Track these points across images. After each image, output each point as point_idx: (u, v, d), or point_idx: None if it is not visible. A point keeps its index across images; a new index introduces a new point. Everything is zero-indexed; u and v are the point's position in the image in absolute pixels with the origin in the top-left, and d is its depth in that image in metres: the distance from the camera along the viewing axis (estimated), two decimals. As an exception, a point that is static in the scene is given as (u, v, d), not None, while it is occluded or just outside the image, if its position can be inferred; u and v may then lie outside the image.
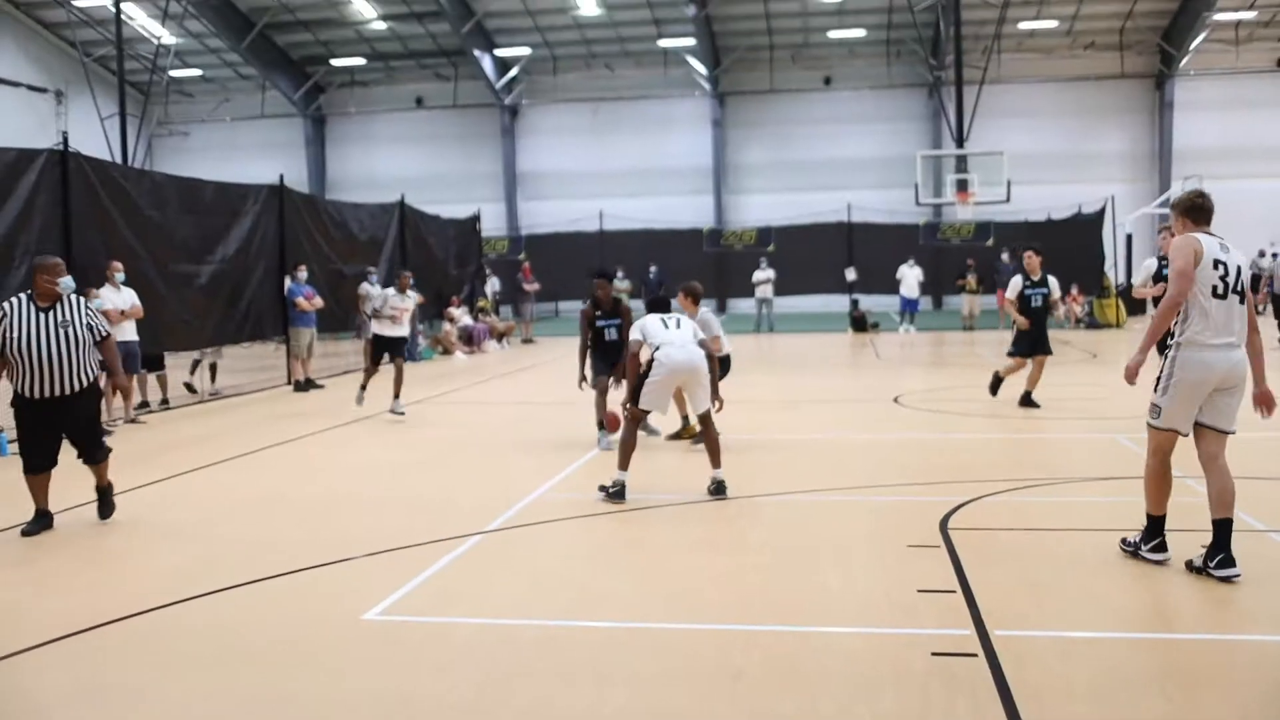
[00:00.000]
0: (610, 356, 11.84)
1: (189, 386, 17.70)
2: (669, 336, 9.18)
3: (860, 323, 30.23)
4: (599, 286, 12.15)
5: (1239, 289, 6.49)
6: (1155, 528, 6.76)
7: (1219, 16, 38.35)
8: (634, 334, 9.44)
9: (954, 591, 6.30)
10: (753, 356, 23.70)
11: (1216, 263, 6.43)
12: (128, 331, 14.12)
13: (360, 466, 11.27)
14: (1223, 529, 6.41)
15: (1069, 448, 11.52)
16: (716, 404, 9.34)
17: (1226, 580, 6.30)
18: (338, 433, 13.66)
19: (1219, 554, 6.38)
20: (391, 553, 7.44)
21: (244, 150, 44.46)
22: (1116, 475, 9.48)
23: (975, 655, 5.28)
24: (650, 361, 9.22)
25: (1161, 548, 6.73)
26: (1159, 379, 6.63)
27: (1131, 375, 6.69)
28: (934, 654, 5.32)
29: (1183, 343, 6.50)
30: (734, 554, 7.39)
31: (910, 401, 15.12)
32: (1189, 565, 6.58)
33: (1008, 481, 9.22)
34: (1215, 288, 6.43)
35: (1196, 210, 6.69)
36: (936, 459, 10.78)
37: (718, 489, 8.99)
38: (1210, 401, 6.53)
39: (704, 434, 9.29)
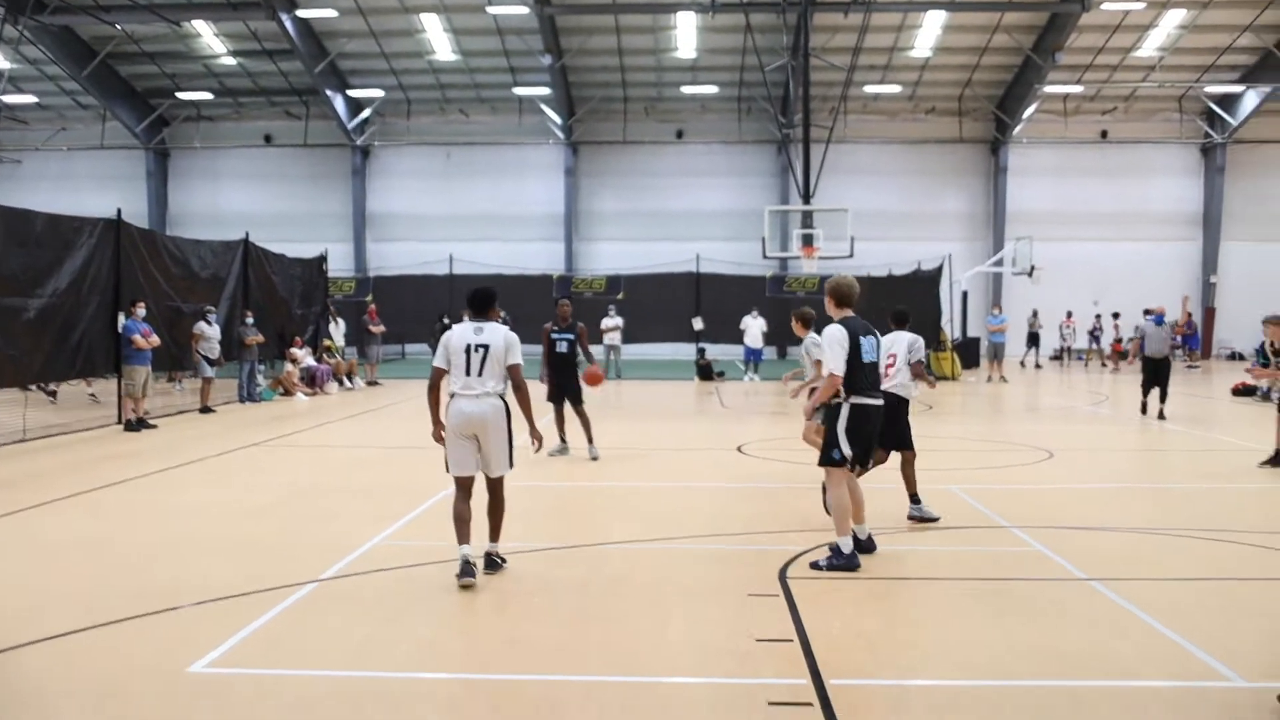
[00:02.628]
0: (560, 366, 14.55)
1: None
2: (464, 383, 7.80)
3: (706, 371, 30.60)
4: (561, 306, 14.81)
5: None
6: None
7: (1049, 89, 40.39)
8: (437, 356, 8.02)
9: (791, 640, 6.38)
10: (601, 403, 23.75)
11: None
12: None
13: (193, 510, 10.88)
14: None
15: (906, 498, 11.80)
16: (535, 444, 8.21)
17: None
18: (171, 475, 13.18)
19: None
20: (222, 601, 7.20)
21: (81, 181, 42.93)
22: (952, 525, 9.76)
23: (810, 704, 5.36)
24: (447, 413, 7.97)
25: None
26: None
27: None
28: (771, 703, 5.38)
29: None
30: (574, 602, 7.34)
31: (753, 450, 15.33)
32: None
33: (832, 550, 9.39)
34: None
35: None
36: (777, 507, 10.93)
37: (490, 564, 7.98)
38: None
39: (490, 501, 8.05)
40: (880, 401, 8.46)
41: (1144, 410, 19.95)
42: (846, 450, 8.27)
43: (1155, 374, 19.79)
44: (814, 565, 8.15)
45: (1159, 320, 20.28)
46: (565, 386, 14.52)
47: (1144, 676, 5.90)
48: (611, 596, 7.49)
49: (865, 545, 8.57)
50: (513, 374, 7.92)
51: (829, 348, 8.23)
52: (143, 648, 6.31)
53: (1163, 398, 19.61)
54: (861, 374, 8.27)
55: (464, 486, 7.93)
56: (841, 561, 8.11)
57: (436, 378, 7.95)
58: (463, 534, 7.77)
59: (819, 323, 9.15)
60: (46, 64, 40.44)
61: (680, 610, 7.08)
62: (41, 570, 8.34)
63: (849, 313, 8.48)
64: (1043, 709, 5.44)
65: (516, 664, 6.07)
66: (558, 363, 14.52)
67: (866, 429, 8.34)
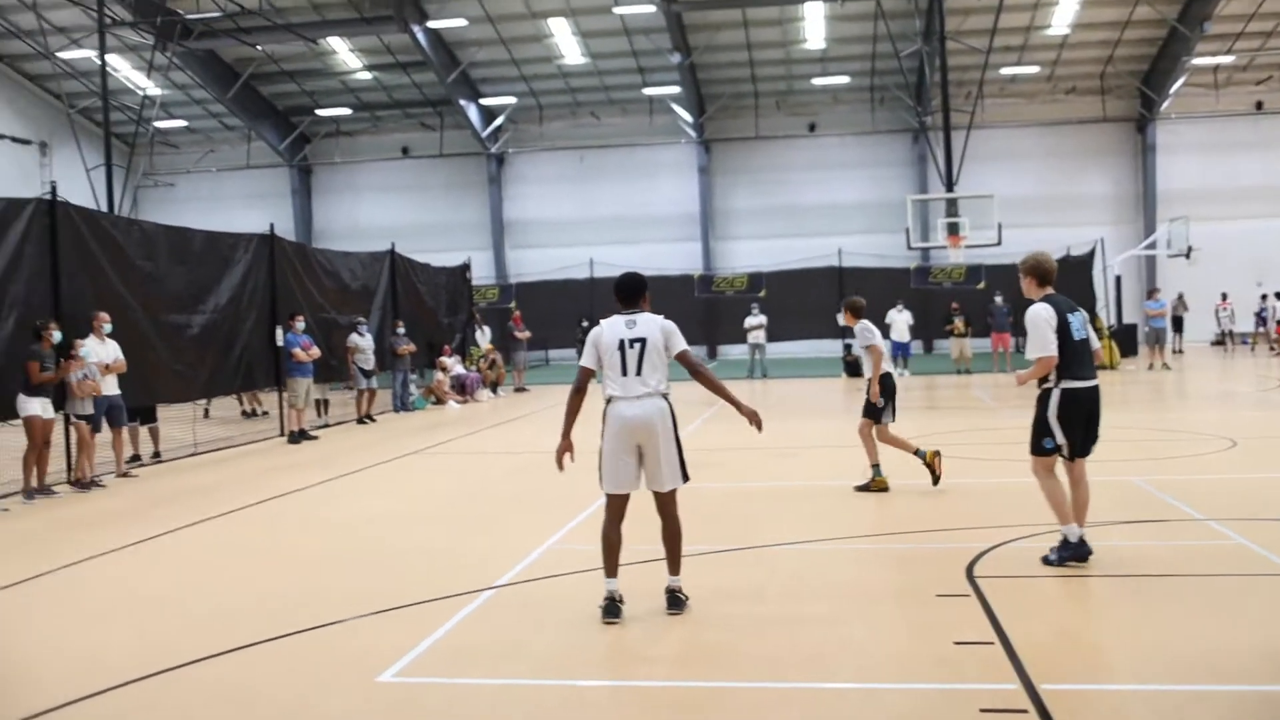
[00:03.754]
0: None
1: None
2: (621, 385, 6.85)
3: (854, 367, 30.03)
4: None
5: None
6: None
7: (1198, 61, 38.71)
8: (585, 355, 7.08)
9: (992, 643, 6.08)
10: (749, 403, 23.48)
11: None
12: (110, 385, 13.90)
13: (361, 519, 11.00)
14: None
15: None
16: (755, 425, 7.31)
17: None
18: (336, 485, 13.40)
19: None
20: (402, 610, 7.18)
21: (230, 201, 44.36)
22: (1137, 518, 9.30)
23: (1025, 711, 5.06)
24: (603, 420, 6.96)
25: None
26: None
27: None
28: (983, 710, 5.10)
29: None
30: (754, 607, 7.12)
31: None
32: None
33: (1027, 526, 8.96)
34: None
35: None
36: (950, 504, 10.58)
37: (673, 603, 6.94)
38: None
39: (662, 524, 7.03)
40: (1094, 383, 7.83)
41: None
42: (1060, 438, 7.76)
43: None
44: (1045, 560, 7.75)
45: None
46: None
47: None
48: (792, 600, 7.27)
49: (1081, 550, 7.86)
50: (684, 362, 7.00)
51: (1035, 329, 7.71)
52: (329, 658, 6.31)
53: None
54: (1072, 355, 7.72)
55: (617, 507, 6.92)
56: (1069, 553, 7.68)
57: (583, 379, 6.93)
58: (611, 565, 6.88)
59: (1020, 305, 8.51)
60: (194, 88, 41.92)
61: (867, 613, 6.82)
62: (222, 580, 8.47)
63: (1050, 290, 7.98)
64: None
65: (706, 670, 5.90)
66: None
67: (1079, 414, 7.78)
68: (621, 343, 6.86)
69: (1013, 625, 6.35)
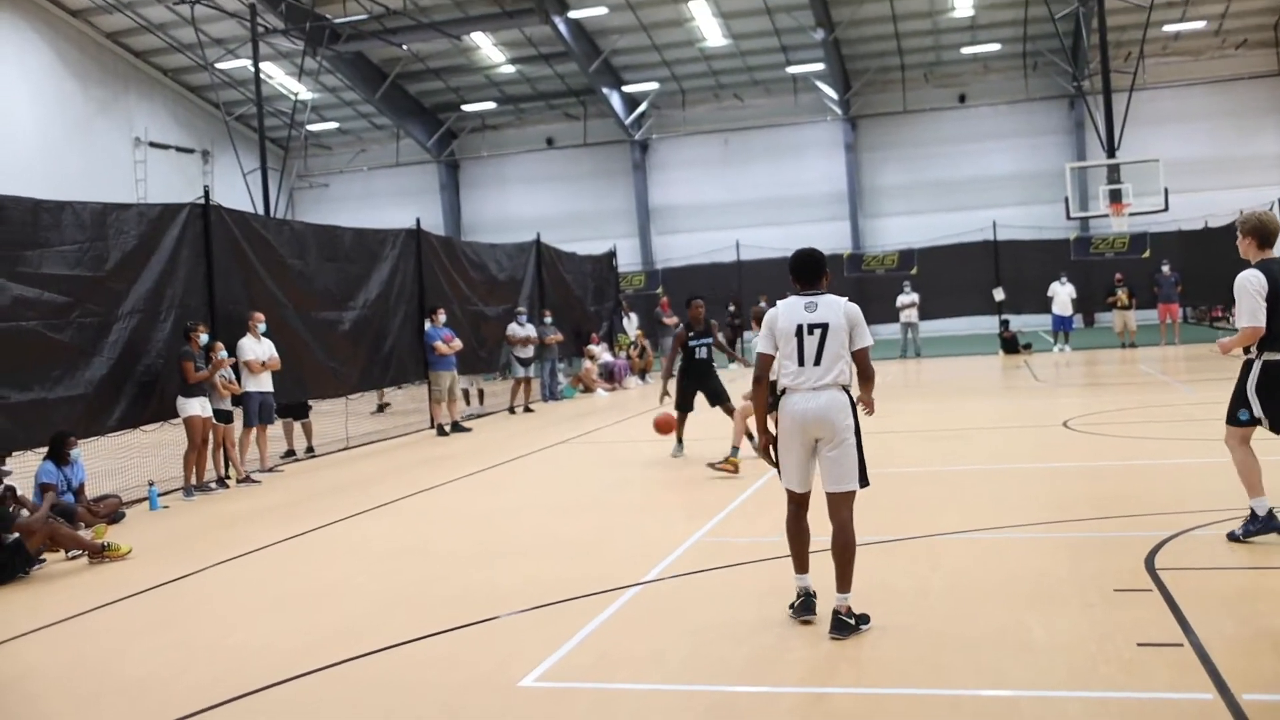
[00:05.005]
0: (699, 373, 13.38)
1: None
2: (798, 376, 6.20)
3: (1011, 344, 29.02)
4: (694, 308, 13.46)
5: None
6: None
7: (1383, 4, 36.22)
8: (762, 340, 6.44)
9: (1180, 645, 5.53)
10: (903, 383, 22.88)
11: None
12: (264, 382, 14.19)
13: (508, 512, 10.88)
14: None
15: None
16: (867, 409, 6.54)
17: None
18: (483, 477, 13.35)
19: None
20: (546, 608, 6.96)
21: (381, 198, 45.28)
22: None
23: (1225, 724, 4.56)
24: (778, 410, 6.39)
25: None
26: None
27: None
28: (1175, 723, 4.61)
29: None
30: (917, 603, 6.67)
31: (1081, 425, 14.15)
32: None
33: (1213, 512, 8.27)
34: None
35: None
36: (1125, 488, 9.91)
37: (838, 626, 6.06)
38: None
39: (833, 530, 6.29)
40: None
41: None
42: (1258, 410, 7.30)
43: None
44: (1231, 536, 7.44)
45: None
46: (710, 391, 13.28)
47: None
48: (956, 596, 6.79)
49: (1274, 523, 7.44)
50: (859, 361, 6.26)
51: (1245, 296, 7.19)
52: (472, 660, 6.12)
53: None
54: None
55: (800, 503, 6.39)
56: (1258, 526, 7.32)
57: (764, 367, 6.38)
58: (800, 559, 6.40)
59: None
60: (343, 90, 42.85)
61: (1039, 610, 6.31)
62: (371, 576, 8.40)
63: (1270, 254, 7.37)
64: None
65: (864, 675, 5.50)
66: (698, 370, 13.39)
67: None
68: (800, 328, 6.20)
69: (1203, 624, 5.78)
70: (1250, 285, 7.18)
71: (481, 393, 22.17)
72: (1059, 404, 17.10)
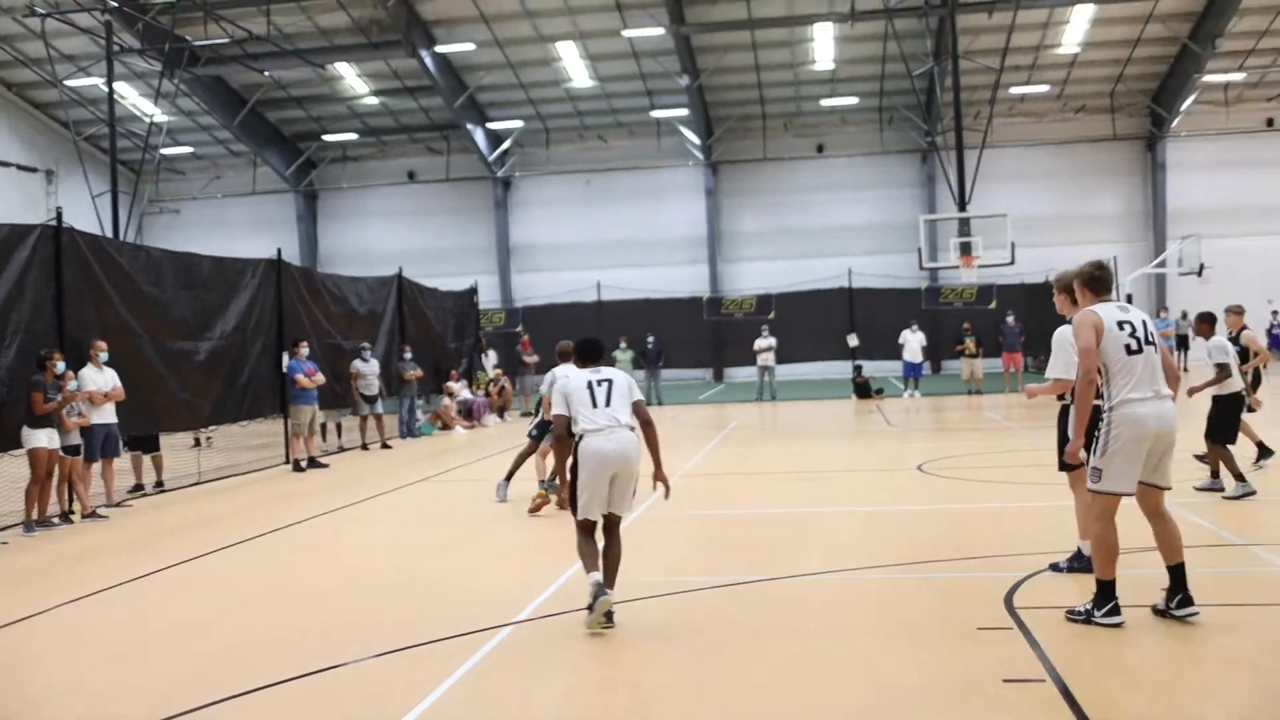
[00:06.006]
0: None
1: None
2: (593, 419, 7.26)
3: (864, 389, 29.76)
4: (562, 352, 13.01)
5: (1150, 342, 6.72)
6: (1107, 593, 6.69)
7: (1208, 79, 38.50)
8: (555, 404, 7.49)
9: (1043, 680, 5.75)
10: (759, 426, 23.22)
11: (1121, 324, 6.69)
12: (108, 414, 13.62)
13: (371, 551, 10.69)
14: (1178, 572, 6.68)
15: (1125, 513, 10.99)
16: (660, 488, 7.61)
17: (1186, 619, 6.57)
18: (344, 514, 13.08)
19: (1178, 594, 6.64)
20: (417, 649, 6.85)
21: (236, 227, 44.12)
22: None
23: (1089, 758, 4.74)
24: (575, 455, 7.36)
25: (1115, 611, 6.65)
26: (1096, 443, 6.68)
27: (1074, 457, 6.88)
28: (1042, 757, 4.78)
29: (1115, 405, 6.64)
30: (789, 642, 6.79)
31: (933, 469, 14.60)
32: (1155, 610, 6.77)
33: (1063, 553, 8.59)
34: (1128, 346, 6.65)
35: (1095, 281, 7.04)
36: (981, 530, 10.24)
37: (607, 617, 7.08)
38: (1150, 459, 6.66)
39: (606, 543, 7.42)
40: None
41: None
42: (1081, 454, 7.57)
43: None
44: (1054, 567, 8.12)
45: None
46: None
47: None
48: (828, 636, 6.92)
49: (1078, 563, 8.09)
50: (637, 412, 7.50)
51: (1057, 350, 7.79)
52: (342, 705, 5.98)
53: None
54: None
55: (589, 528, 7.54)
56: (1080, 564, 7.92)
57: (561, 427, 7.55)
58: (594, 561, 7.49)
59: (1032, 325, 8.37)
60: (200, 115, 41.79)
61: (906, 648, 6.49)
62: (229, 617, 8.16)
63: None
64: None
65: (745, 712, 5.56)
66: None
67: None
68: (592, 384, 7.43)
69: (1063, 661, 6.02)
70: (1065, 338, 7.65)
71: (339, 427, 21.75)
72: (911, 448, 17.59)
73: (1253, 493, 11.03)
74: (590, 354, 7.73)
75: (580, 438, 7.27)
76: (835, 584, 8.30)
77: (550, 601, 7.96)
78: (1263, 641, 6.36)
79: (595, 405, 7.29)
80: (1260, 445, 13.26)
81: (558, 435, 7.46)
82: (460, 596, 8.35)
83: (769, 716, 5.50)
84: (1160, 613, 6.73)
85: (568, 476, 7.49)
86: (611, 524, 7.42)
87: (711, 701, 5.77)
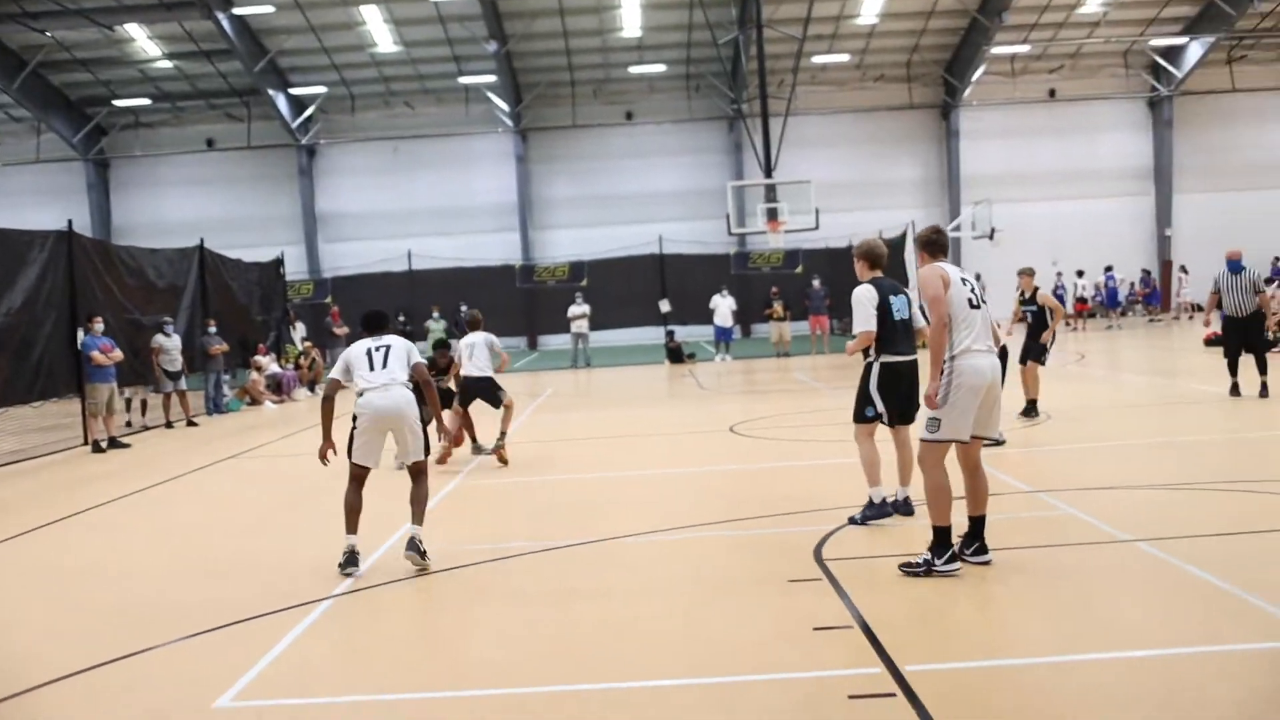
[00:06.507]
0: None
1: None
2: (370, 379, 8.05)
3: (677, 354, 30.26)
4: (441, 355, 13.89)
5: (984, 301, 7.24)
6: (945, 539, 7.02)
7: (996, 50, 40.34)
8: (335, 369, 8.34)
9: (850, 627, 6.03)
10: (574, 392, 23.36)
11: (963, 279, 7.15)
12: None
13: (183, 530, 10.39)
14: (979, 523, 7.16)
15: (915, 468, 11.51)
16: (441, 439, 8.96)
17: (984, 564, 7.06)
18: (151, 494, 12.64)
19: (975, 543, 7.14)
20: (237, 625, 6.73)
21: (19, 197, 41.75)
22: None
23: (894, 695, 5.01)
24: (354, 411, 8.16)
25: (954, 559, 7.02)
26: (939, 393, 7.02)
27: (932, 401, 7.09)
28: (850, 696, 5.03)
29: (957, 354, 7.01)
30: (604, 602, 6.93)
31: (746, 430, 15.00)
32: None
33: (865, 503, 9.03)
34: (970, 301, 7.11)
35: (933, 245, 7.46)
36: (790, 487, 10.59)
37: (413, 548, 7.75)
38: (981, 411, 7.05)
39: (413, 488, 8.14)
40: (913, 358, 8.59)
41: (1235, 390, 15.17)
42: (880, 406, 8.54)
43: (1243, 336, 15.26)
44: (851, 520, 8.57)
45: (1236, 267, 15.30)
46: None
47: (1231, 640, 5.59)
48: (641, 595, 7.09)
49: (900, 507, 8.70)
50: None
51: (859, 307, 8.44)
52: (161, 684, 5.83)
53: (1261, 367, 15.21)
54: (891, 332, 8.44)
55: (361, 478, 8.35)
56: (873, 512, 8.55)
57: (332, 389, 8.33)
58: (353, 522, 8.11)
59: (837, 288, 8.98)
60: (-25, 78, 39.35)
61: (722, 603, 6.71)
62: (38, 605, 7.84)
63: (879, 274, 8.68)
64: (1144, 685, 5.10)
65: (559, 674, 5.65)
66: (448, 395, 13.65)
67: (897, 385, 8.53)
68: (370, 352, 8.28)
69: (868, 607, 6.32)
70: (864, 296, 8.45)
71: (145, 403, 20.94)
72: (723, 410, 18.00)
73: (1002, 443, 11.85)
74: (374, 325, 8.54)
75: (360, 394, 8.08)
76: (651, 544, 8.49)
77: (369, 573, 7.89)
78: (1051, 579, 6.79)
79: (373, 368, 8.11)
80: (1031, 402, 14.16)
81: (324, 395, 8.28)
82: (274, 573, 8.20)
83: (588, 675, 5.62)
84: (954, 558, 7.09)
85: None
86: (413, 470, 8.22)
87: (532, 664, 5.85)
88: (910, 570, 7.00)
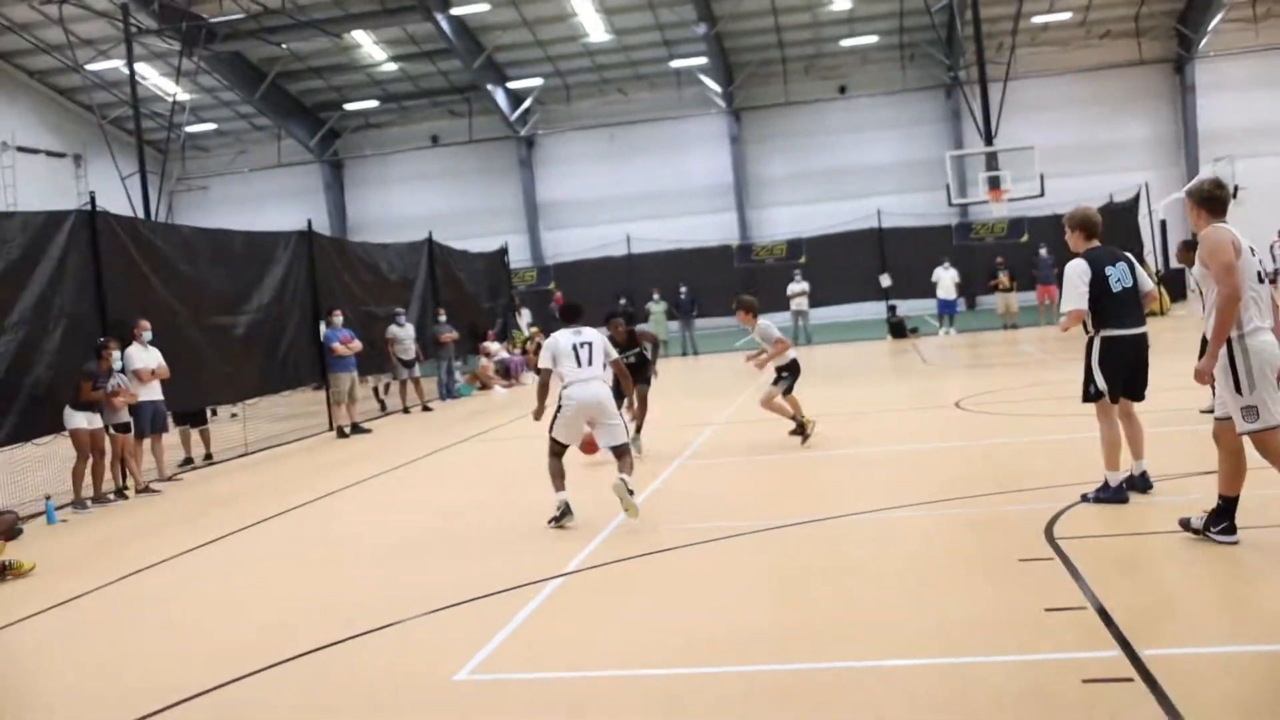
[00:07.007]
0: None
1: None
2: (576, 374, 9.09)
3: (899, 329, 29.74)
4: (614, 325, 13.05)
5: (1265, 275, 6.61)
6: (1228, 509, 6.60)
7: (1235, -5, 37.86)
8: (543, 359, 9.38)
9: (1084, 608, 5.84)
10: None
11: (1251, 249, 6.50)
12: (154, 391, 13.87)
13: (421, 511, 10.90)
14: (1234, 503, 6.62)
15: (1155, 442, 10.99)
16: (631, 420, 9.78)
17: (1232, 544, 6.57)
18: (390, 477, 13.31)
19: (1224, 520, 6.62)
20: (474, 603, 7.03)
21: (263, 200, 44.47)
22: (1210, 469, 8.98)
23: (1131, 680, 4.84)
24: (559, 398, 9.22)
25: (1231, 529, 6.62)
26: (1235, 379, 6.38)
27: (1205, 378, 6.68)
28: (1085, 680, 4.88)
29: (1247, 333, 6.38)
30: (835, 581, 6.93)
31: (972, 405, 14.65)
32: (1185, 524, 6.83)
33: (1097, 483, 8.68)
34: (1260, 274, 6.51)
35: (1214, 201, 6.68)
36: (1019, 464, 10.32)
37: (620, 484, 8.79)
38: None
39: (619, 463, 9.10)
40: (1140, 330, 8.03)
41: None
42: (1102, 384, 7.99)
43: None
44: (1084, 498, 8.18)
45: None
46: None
47: None
48: (873, 574, 7.04)
49: (1138, 483, 8.27)
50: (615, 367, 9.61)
51: (1068, 283, 7.99)
52: (404, 657, 6.17)
53: None
54: (1111, 305, 7.94)
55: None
56: (1107, 495, 8.08)
57: (545, 377, 9.55)
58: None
59: (1065, 256, 8.41)
60: (221, 91, 42.01)
61: (950, 583, 6.61)
62: (284, 583, 8.39)
63: (1095, 244, 8.23)
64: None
65: (797, 651, 5.69)
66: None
67: (1122, 359, 8.00)
68: (576, 347, 9.24)
69: (1103, 588, 6.11)
70: (1074, 272, 7.95)
71: (389, 386, 22.04)
72: (948, 385, 17.63)
73: None
74: (572, 316, 9.62)
75: (566, 385, 9.10)
76: (879, 522, 8.42)
77: (597, 552, 8.12)
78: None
79: (579, 364, 9.10)
80: None
81: (539, 382, 9.51)
82: (509, 552, 8.51)
83: (817, 654, 5.63)
84: (1195, 530, 6.79)
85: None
86: (617, 452, 9.17)
87: (757, 637, 5.91)
88: (1192, 529, 6.80)
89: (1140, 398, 8.19)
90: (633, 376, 12.33)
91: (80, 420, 12.49)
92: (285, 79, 42.25)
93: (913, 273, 32.76)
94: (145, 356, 13.84)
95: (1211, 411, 10.67)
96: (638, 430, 12.94)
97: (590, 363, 9.15)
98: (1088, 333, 8.10)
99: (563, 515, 8.94)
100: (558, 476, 9.13)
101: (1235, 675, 4.88)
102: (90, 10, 32.60)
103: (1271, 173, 37.35)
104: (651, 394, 13.47)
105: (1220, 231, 6.49)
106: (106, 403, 12.85)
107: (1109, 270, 8.02)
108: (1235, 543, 6.55)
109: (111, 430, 13.00)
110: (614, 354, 9.49)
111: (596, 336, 9.31)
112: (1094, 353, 8.03)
